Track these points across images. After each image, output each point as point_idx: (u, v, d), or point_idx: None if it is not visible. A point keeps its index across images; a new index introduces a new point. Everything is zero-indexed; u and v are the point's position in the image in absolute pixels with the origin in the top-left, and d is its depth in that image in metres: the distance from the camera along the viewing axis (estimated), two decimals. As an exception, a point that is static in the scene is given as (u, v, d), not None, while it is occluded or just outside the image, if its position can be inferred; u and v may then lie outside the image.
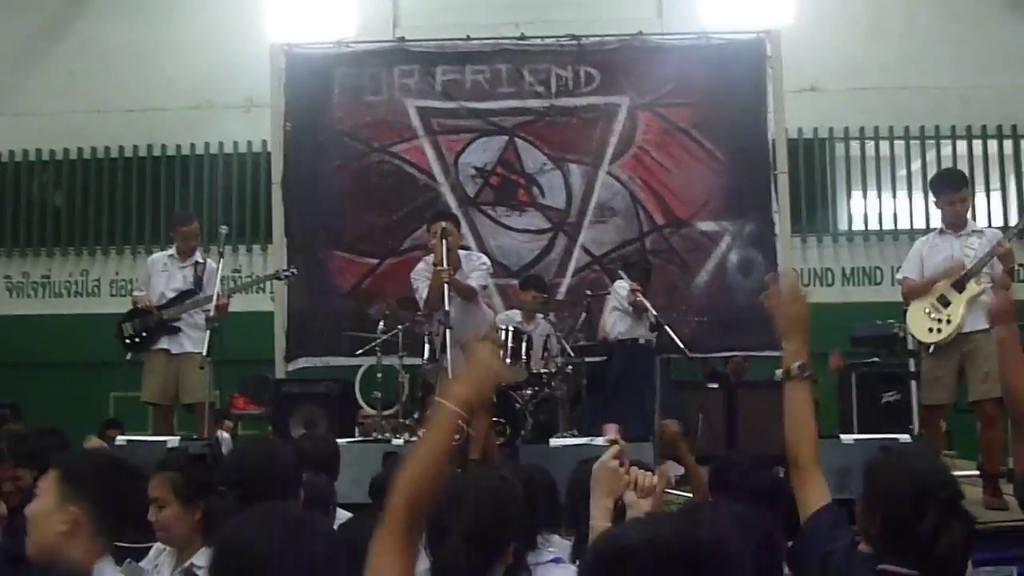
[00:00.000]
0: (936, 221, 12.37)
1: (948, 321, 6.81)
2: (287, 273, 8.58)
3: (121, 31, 13.46)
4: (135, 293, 8.65)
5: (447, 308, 7.05)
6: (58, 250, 13.69)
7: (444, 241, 7.27)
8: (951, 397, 6.98)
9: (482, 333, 7.57)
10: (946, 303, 6.83)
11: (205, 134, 13.45)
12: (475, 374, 2.59)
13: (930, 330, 6.89)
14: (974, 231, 7.06)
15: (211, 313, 7.77)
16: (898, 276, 7.45)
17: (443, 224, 7.44)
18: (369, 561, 2.32)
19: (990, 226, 8.22)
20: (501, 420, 8.02)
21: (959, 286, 6.80)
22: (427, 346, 7.86)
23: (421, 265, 7.72)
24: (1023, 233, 7.33)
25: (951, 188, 7.17)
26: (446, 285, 7.13)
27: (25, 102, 13.63)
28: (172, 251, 8.51)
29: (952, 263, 6.89)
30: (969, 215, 7.29)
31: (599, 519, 2.93)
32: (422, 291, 7.54)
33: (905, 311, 7.42)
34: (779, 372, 8.94)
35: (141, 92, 13.44)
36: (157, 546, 4.01)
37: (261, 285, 9.86)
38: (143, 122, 13.51)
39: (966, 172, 12.78)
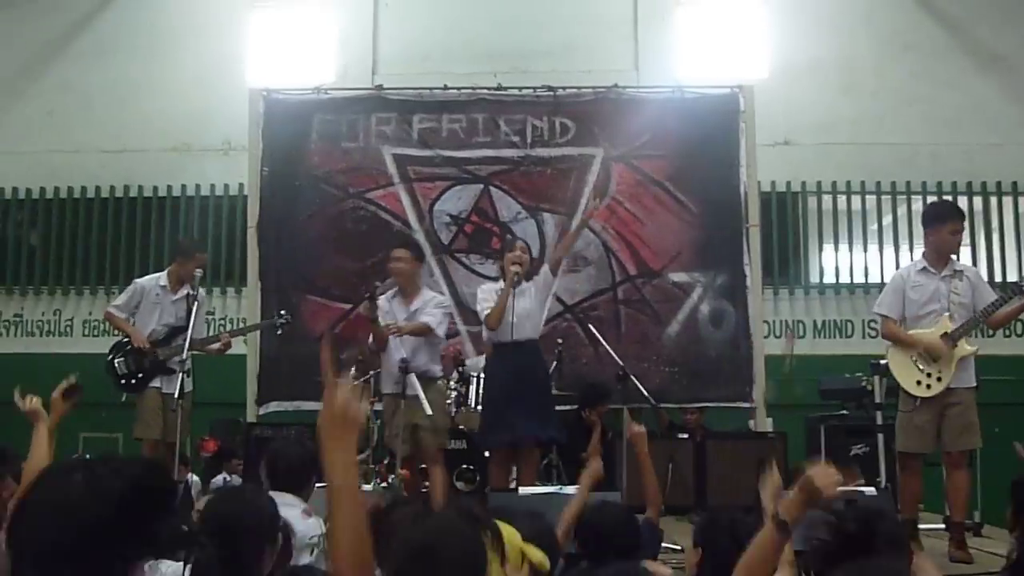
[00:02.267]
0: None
1: (939, 379, 6.80)
2: (283, 320, 8.60)
3: (100, 72, 13.53)
4: (112, 311, 8.44)
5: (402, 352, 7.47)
6: (31, 289, 13.64)
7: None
8: (931, 446, 6.93)
9: (435, 371, 7.77)
10: (935, 357, 6.81)
11: (182, 176, 13.47)
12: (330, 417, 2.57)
13: (918, 383, 6.85)
14: (956, 271, 6.97)
15: (216, 349, 8.27)
16: (877, 310, 7.24)
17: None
18: None
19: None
20: (471, 467, 8.02)
21: (950, 341, 6.80)
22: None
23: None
24: None
25: (959, 216, 7.11)
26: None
27: (2, 140, 13.64)
28: (163, 280, 8.39)
29: (933, 343, 6.78)
30: None
31: None
32: None
33: (874, 361, 7.41)
34: (752, 423, 8.97)
35: (119, 133, 13.48)
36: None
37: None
38: (120, 163, 13.53)
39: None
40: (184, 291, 8.19)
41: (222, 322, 12.67)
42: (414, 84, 10.36)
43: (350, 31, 13.46)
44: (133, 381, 8.15)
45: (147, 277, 8.71)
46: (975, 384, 6.91)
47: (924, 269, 7.03)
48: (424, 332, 7.59)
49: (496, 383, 7.73)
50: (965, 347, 6.82)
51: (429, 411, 7.31)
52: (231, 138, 12.47)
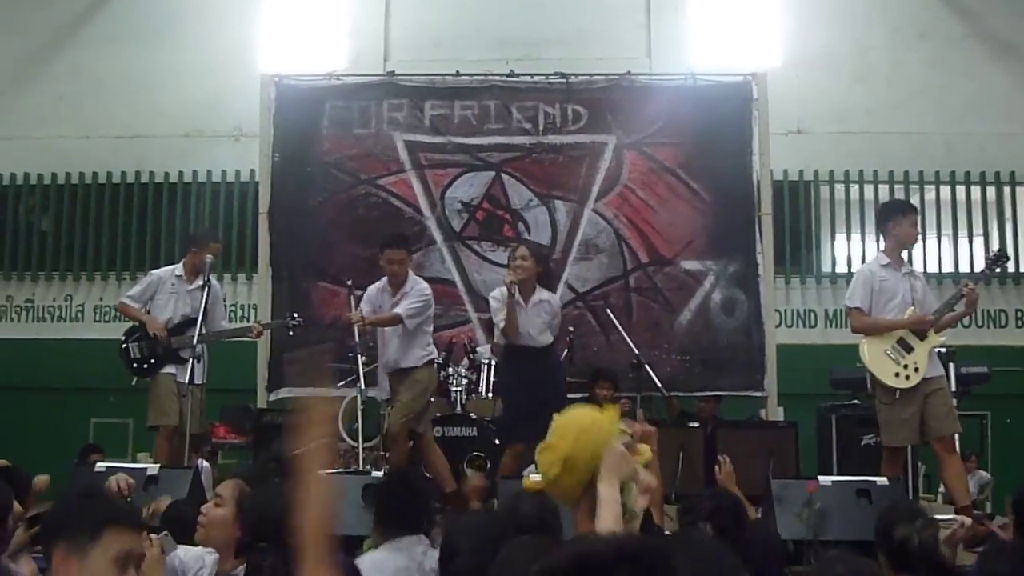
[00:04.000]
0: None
1: (916, 369, 6.89)
2: (295, 322, 8.55)
3: (111, 57, 13.52)
4: (126, 302, 8.39)
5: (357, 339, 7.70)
6: (43, 275, 13.65)
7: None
8: (916, 438, 7.02)
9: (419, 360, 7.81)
10: (908, 348, 6.92)
11: (193, 162, 13.47)
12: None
13: (896, 375, 6.93)
14: (911, 269, 7.30)
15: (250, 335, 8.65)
16: (850, 303, 7.27)
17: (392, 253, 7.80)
18: None
19: (972, 272, 8.29)
20: (480, 455, 8.02)
21: (920, 333, 6.93)
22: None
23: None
24: (985, 277, 7.39)
25: (916, 210, 7.37)
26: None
27: (13, 126, 13.64)
28: (179, 270, 8.35)
29: (919, 318, 6.94)
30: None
31: (607, 495, 2.99)
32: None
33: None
34: (763, 412, 8.91)
35: (130, 119, 13.49)
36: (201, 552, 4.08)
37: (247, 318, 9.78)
38: (131, 149, 13.54)
39: (949, 217, 13.06)
40: (199, 281, 8.15)
41: (232, 309, 12.68)
42: (426, 71, 10.34)
43: (362, 17, 13.43)
44: (146, 366, 8.13)
45: (162, 268, 8.69)
46: (943, 373, 7.10)
47: (888, 265, 7.17)
48: (394, 322, 7.70)
49: (513, 385, 7.89)
50: (934, 337, 6.96)
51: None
52: (242, 124, 12.45)
